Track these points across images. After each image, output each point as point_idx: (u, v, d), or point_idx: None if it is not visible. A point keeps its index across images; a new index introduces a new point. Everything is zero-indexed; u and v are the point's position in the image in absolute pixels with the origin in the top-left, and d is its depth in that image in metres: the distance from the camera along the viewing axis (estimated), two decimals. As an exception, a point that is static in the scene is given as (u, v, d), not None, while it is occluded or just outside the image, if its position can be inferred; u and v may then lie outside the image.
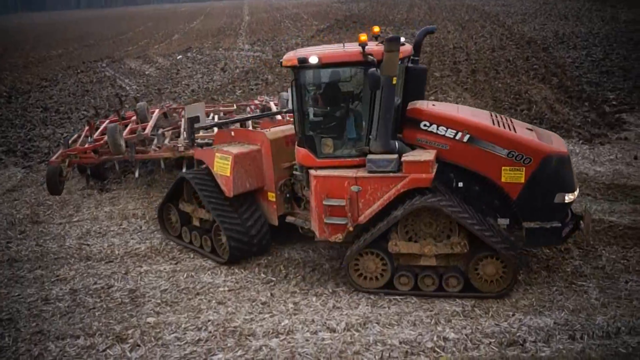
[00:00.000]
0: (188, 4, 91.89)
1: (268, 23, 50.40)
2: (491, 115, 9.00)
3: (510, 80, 21.35)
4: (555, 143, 8.53)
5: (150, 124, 14.41)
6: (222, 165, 9.75)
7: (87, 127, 14.83)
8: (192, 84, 25.75)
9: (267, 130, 9.96)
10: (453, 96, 19.62)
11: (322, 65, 8.44)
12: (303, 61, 8.39)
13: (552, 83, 20.57)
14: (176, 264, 9.79)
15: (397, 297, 8.36)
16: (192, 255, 10.05)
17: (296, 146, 9.12)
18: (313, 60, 8.33)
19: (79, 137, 14.35)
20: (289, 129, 9.87)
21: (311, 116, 8.95)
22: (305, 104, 8.85)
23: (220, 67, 29.58)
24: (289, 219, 9.70)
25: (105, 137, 13.22)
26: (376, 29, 9.42)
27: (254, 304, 8.36)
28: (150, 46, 40.91)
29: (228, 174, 9.64)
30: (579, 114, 17.07)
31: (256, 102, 16.76)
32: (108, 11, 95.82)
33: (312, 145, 8.81)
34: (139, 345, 7.56)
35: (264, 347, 7.36)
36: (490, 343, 7.22)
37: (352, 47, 8.58)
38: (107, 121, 15.12)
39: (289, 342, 7.43)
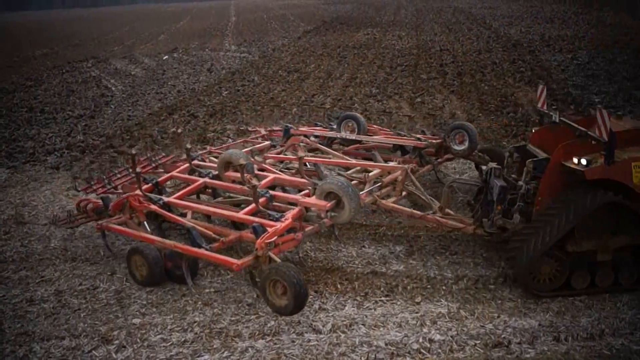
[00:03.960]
0: (174, 4, 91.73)
1: (254, 24, 50.37)
2: None
3: (497, 83, 21.46)
4: None
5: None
6: None
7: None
8: (178, 84, 25.69)
9: None
10: (440, 98, 19.69)
11: None
12: None
13: (537, 86, 20.68)
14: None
15: (382, 298, 8.39)
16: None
17: None
18: None
19: None
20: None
21: None
22: None
23: (207, 67, 29.54)
24: None
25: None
26: None
27: (240, 305, 8.36)
28: (136, 46, 40.80)
29: None
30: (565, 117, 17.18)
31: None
32: (93, 11, 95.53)
33: None
34: (124, 347, 7.54)
35: (249, 349, 7.36)
36: (475, 345, 7.26)
37: None
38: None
39: (275, 344, 7.44)
